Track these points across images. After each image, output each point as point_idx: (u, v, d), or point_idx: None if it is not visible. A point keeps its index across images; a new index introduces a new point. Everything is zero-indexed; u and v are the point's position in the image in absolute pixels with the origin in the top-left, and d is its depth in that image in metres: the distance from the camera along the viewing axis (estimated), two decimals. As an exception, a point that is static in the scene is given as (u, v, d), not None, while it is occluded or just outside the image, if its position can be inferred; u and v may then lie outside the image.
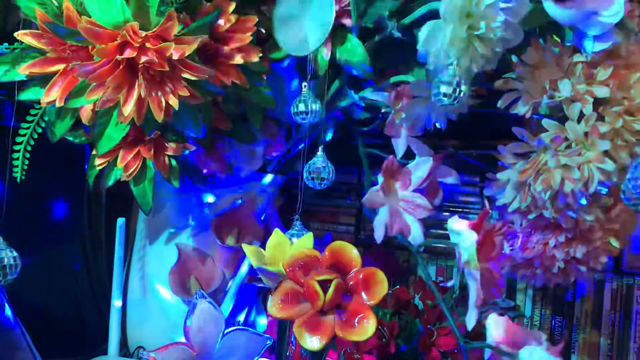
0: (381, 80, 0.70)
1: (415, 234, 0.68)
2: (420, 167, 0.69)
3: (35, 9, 0.58)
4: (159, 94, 0.57)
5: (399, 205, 0.68)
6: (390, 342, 0.71)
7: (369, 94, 0.71)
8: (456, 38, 0.56)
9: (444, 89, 0.55)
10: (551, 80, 0.63)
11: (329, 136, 0.78)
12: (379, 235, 0.66)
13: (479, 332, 0.58)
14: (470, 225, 0.56)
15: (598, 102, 0.62)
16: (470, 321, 0.56)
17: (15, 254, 0.57)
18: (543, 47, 0.64)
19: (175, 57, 0.55)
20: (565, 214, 0.67)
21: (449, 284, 0.80)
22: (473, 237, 0.55)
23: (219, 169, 0.78)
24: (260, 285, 0.83)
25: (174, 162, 0.69)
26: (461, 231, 0.56)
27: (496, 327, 0.55)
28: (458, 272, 0.81)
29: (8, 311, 0.73)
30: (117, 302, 0.83)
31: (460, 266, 0.57)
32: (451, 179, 0.73)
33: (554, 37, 0.65)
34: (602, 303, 0.96)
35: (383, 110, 0.73)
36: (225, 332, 0.67)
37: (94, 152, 0.66)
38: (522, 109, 0.65)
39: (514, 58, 0.66)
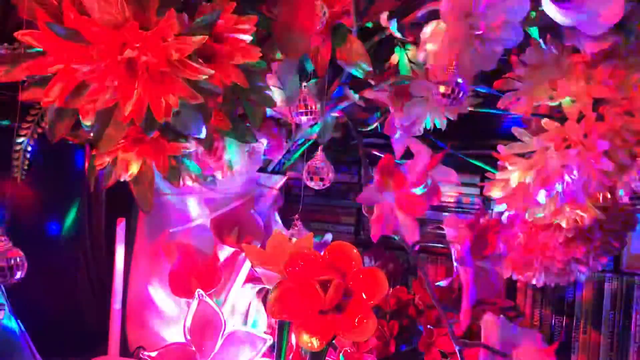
0: (381, 80, 0.70)
1: (411, 233, 0.67)
2: (416, 166, 0.69)
3: (35, 8, 0.58)
4: (159, 93, 0.57)
5: (395, 204, 0.68)
6: (390, 342, 0.71)
7: (369, 94, 0.70)
8: (456, 38, 0.56)
9: (443, 89, 0.55)
10: (551, 80, 0.63)
11: (328, 136, 0.78)
12: (374, 234, 0.66)
13: (477, 331, 0.59)
14: (465, 224, 0.56)
15: (598, 102, 0.62)
16: (464, 321, 0.56)
17: (22, 253, 0.57)
18: (543, 47, 0.64)
19: (175, 57, 0.55)
20: (565, 214, 0.67)
21: (442, 283, 0.80)
22: (466, 235, 0.55)
23: (219, 169, 0.78)
24: (260, 285, 0.84)
25: (173, 162, 0.69)
26: (455, 229, 0.56)
27: (491, 327, 0.55)
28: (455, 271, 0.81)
29: (8, 312, 0.73)
30: (117, 303, 0.83)
31: (455, 265, 0.57)
32: (451, 178, 0.73)
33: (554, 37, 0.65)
34: (602, 303, 0.96)
35: (383, 110, 0.73)
36: (225, 332, 0.67)
37: (94, 152, 0.66)
38: (522, 109, 0.65)
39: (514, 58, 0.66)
